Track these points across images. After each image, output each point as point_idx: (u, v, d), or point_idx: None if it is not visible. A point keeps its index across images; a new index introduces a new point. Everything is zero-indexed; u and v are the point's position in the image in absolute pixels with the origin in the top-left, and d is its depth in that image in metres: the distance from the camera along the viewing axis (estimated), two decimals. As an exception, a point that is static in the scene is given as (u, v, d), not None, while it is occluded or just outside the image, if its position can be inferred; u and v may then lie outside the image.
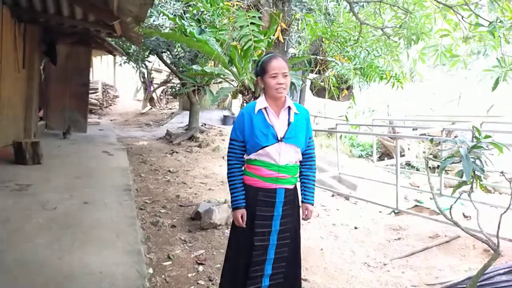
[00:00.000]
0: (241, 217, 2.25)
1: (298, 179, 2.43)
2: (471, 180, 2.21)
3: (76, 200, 4.43)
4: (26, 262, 2.93)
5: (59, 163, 6.20)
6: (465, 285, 2.92)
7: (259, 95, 4.34)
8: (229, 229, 4.18)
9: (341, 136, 10.00)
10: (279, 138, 2.19)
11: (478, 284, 2.57)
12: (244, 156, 2.31)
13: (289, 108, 2.27)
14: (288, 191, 2.29)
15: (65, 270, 2.88)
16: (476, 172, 2.19)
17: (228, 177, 2.31)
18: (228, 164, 2.31)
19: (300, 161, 2.37)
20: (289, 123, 2.23)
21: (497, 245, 2.26)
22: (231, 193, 2.29)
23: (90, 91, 12.74)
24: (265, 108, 2.23)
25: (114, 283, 2.79)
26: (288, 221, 2.30)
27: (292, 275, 2.38)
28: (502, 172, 2.64)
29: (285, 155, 2.22)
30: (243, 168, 2.32)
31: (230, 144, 2.30)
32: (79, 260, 3.03)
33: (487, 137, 2.29)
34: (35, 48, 7.50)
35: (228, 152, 2.31)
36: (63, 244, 3.29)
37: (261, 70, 2.23)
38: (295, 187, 2.38)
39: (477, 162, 2.18)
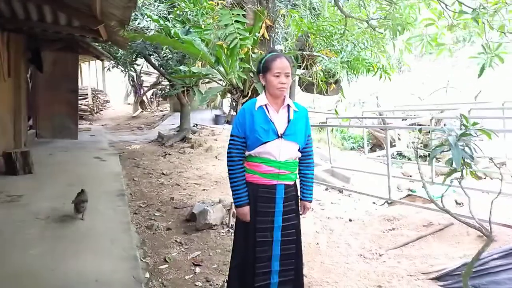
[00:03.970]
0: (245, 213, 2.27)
1: (298, 176, 2.45)
2: (461, 167, 2.22)
3: (69, 208, 4.38)
4: (19, 275, 2.90)
5: (50, 171, 6.14)
6: (460, 272, 2.94)
7: (247, 94, 4.33)
8: (225, 229, 4.21)
9: (332, 130, 10.03)
10: (279, 134, 2.23)
11: (473, 270, 2.59)
12: (245, 152, 2.32)
13: (288, 106, 2.31)
14: (288, 187, 2.32)
15: (60, 281, 2.85)
16: (465, 160, 2.20)
17: (230, 174, 2.30)
18: (230, 161, 2.30)
19: (299, 159, 2.40)
20: (289, 120, 2.28)
21: (489, 231, 2.27)
22: (234, 190, 2.29)
23: (80, 97, 12.63)
24: (265, 105, 2.27)
25: (110, 290, 2.77)
26: (291, 217, 2.34)
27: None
28: (491, 159, 2.67)
29: (285, 151, 2.26)
30: (244, 164, 2.33)
31: (231, 140, 2.31)
32: (74, 270, 3.01)
33: (474, 124, 2.30)
34: (20, 56, 7.40)
35: (229, 148, 2.31)
36: (56, 254, 3.26)
37: (264, 68, 2.27)
38: (295, 183, 2.41)
39: (466, 149, 2.19)
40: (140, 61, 12.77)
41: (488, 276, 2.92)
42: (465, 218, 2.64)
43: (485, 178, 6.65)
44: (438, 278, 3.14)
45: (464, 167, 2.23)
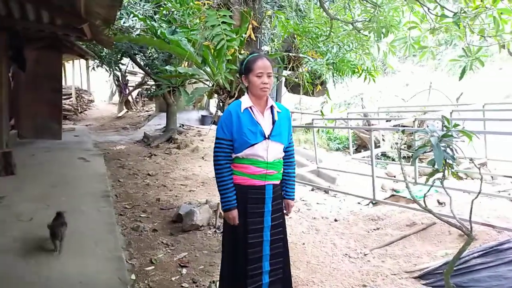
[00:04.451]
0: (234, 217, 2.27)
1: None
2: (443, 168, 2.27)
3: (53, 210, 4.27)
4: (1, 278, 2.85)
5: (33, 172, 6.04)
6: (442, 270, 3.01)
7: (234, 94, 4.34)
8: (212, 230, 4.20)
9: (318, 131, 10.10)
10: (267, 136, 2.26)
11: (455, 268, 2.65)
12: (232, 155, 2.32)
13: (271, 107, 2.34)
14: (276, 187, 2.35)
15: (43, 283, 2.81)
16: (447, 160, 2.25)
17: (217, 178, 2.29)
18: (217, 164, 2.29)
19: (282, 158, 2.43)
20: (274, 121, 2.31)
21: (470, 230, 2.33)
22: (222, 194, 2.28)
23: (63, 97, 12.43)
24: (250, 107, 2.28)
25: (95, 292, 2.75)
26: (279, 216, 2.37)
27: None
28: (471, 159, 2.74)
29: (272, 152, 2.29)
30: (231, 167, 2.33)
31: (217, 143, 2.29)
32: (58, 272, 2.97)
33: (456, 125, 2.36)
34: (2, 54, 7.24)
35: (216, 152, 2.30)
36: (39, 256, 3.21)
37: (246, 69, 2.28)
38: (281, 182, 2.43)
39: (448, 150, 2.24)
40: (125, 60, 12.66)
41: (469, 274, 3.00)
42: (447, 217, 2.70)
43: (466, 179, 6.79)
44: (421, 277, 3.21)
45: (446, 167, 2.28)
